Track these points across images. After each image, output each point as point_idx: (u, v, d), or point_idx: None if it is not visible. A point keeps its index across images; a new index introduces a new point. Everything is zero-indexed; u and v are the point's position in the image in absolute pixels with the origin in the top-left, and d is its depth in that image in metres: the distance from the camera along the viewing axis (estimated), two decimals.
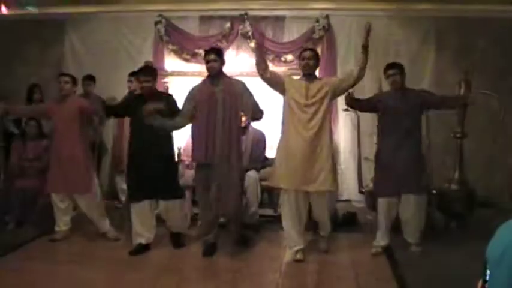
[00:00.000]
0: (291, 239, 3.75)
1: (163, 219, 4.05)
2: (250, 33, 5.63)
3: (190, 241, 4.09)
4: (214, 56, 3.73)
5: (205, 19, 5.87)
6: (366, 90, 4.64)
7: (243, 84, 3.82)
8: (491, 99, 4.54)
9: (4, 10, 5.47)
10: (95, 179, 4.19)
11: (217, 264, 3.71)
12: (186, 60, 5.80)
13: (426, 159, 4.18)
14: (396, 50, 5.50)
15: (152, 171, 3.77)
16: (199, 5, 5.79)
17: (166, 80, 5.63)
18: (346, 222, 4.62)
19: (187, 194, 4.49)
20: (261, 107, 3.83)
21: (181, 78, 5.68)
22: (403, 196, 3.78)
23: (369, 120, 4.77)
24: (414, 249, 3.82)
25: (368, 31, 3.60)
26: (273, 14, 5.75)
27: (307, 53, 3.77)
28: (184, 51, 5.78)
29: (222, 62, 3.80)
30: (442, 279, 3.27)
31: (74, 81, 4.24)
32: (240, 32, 5.69)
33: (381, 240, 3.87)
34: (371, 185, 4.35)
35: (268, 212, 4.76)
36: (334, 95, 3.76)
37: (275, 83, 3.76)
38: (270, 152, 4.89)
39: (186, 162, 4.63)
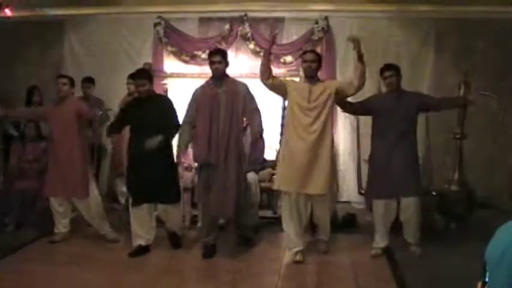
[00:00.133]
0: (290, 241, 3.75)
1: (162, 220, 4.04)
2: (249, 35, 5.63)
3: (189, 243, 4.09)
4: (220, 58, 3.73)
5: (204, 21, 5.85)
6: (365, 90, 4.61)
7: (246, 86, 3.81)
8: (490, 100, 4.54)
9: (8, 13, 5.47)
10: (93, 182, 4.18)
11: (217, 265, 3.71)
12: (185, 61, 5.79)
13: (426, 160, 4.18)
14: (396, 52, 5.49)
15: (152, 174, 3.77)
16: (198, 7, 5.77)
17: (165, 81, 5.61)
18: (346, 223, 4.62)
19: (186, 196, 4.49)
20: (262, 119, 3.80)
21: (180, 80, 5.68)
22: (401, 198, 3.77)
23: (369, 122, 4.73)
24: (414, 249, 3.82)
25: (357, 43, 3.51)
26: (272, 16, 5.73)
27: (310, 56, 3.74)
28: (184, 52, 5.77)
29: (227, 64, 3.80)
30: (442, 280, 3.27)
31: (71, 82, 4.25)
32: (239, 33, 5.68)
33: (380, 241, 3.86)
34: None
35: (268, 213, 4.75)
36: (336, 98, 3.71)
37: (277, 87, 3.76)
38: (270, 153, 4.89)
39: (185, 165, 4.62)
